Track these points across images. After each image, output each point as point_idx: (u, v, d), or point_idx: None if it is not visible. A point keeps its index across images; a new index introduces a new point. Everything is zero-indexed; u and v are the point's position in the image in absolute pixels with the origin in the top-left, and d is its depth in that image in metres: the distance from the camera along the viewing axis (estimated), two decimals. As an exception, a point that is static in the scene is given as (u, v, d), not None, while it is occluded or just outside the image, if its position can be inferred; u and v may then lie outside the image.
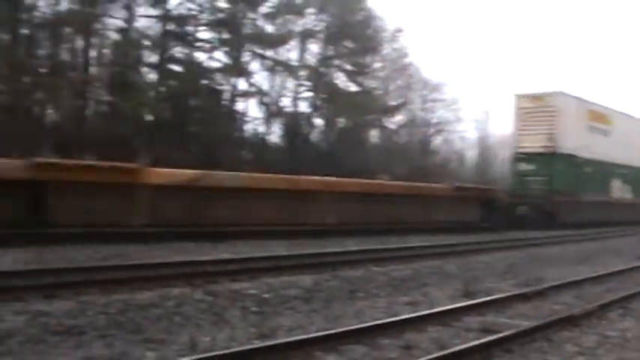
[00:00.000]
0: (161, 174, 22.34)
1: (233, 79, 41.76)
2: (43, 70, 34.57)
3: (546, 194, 37.07)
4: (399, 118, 54.96)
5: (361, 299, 13.08)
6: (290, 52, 45.27)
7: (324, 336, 9.15)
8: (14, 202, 18.50)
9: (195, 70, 39.48)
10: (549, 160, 37.61)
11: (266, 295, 12.49)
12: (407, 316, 10.82)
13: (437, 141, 60.06)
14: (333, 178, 28.66)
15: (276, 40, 43.11)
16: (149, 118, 37.54)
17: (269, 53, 43.33)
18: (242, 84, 42.53)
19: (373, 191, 30.11)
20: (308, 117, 47.07)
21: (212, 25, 40.29)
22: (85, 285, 11.90)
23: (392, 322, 10.30)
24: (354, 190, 29.16)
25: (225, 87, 41.65)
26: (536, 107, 38.61)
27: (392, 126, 54.25)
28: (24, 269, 13.59)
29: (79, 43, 36.36)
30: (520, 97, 39.67)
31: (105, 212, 20.37)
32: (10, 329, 8.94)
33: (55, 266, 14.10)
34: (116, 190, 20.64)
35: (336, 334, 9.31)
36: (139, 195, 21.36)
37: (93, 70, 36.31)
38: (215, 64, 41.14)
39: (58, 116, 35.74)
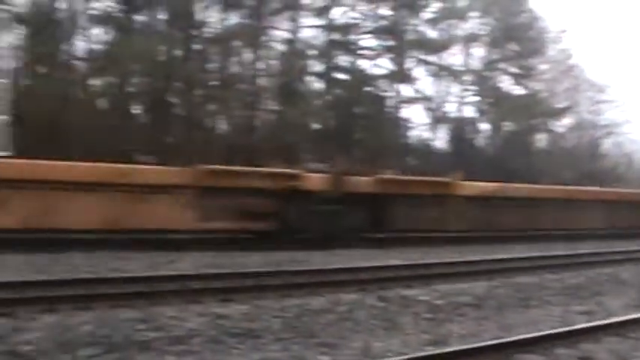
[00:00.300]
0: (470, 186, 25.47)
1: (397, 86, 41.59)
2: (214, 83, 35.60)
3: None
4: (566, 121, 53.16)
5: (534, 307, 12.59)
6: (454, 57, 44.73)
7: (496, 345, 8.79)
8: (362, 212, 22.09)
9: (360, 77, 39.57)
10: None
11: (438, 302, 12.25)
12: (582, 326, 10.27)
13: (606, 144, 57.63)
14: (603, 189, 31.98)
15: (440, 46, 42.61)
16: (316, 126, 37.89)
17: (432, 59, 42.89)
18: (406, 90, 42.32)
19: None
20: (473, 122, 46.26)
21: (375, 33, 40.27)
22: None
23: (567, 331, 9.79)
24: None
25: (390, 94, 41.51)
26: None
27: (559, 129, 52.51)
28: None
29: (248, 55, 37.20)
30: None
31: (427, 219, 23.90)
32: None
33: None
34: (435, 200, 24.01)
35: (509, 342, 8.92)
36: (452, 204, 24.51)
37: (261, 81, 37.03)
38: (379, 71, 41.15)
39: (228, 126, 36.68)
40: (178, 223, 18.58)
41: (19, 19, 30.07)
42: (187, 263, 15.47)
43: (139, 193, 17.95)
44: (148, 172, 18.65)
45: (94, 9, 34.64)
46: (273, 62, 37.61)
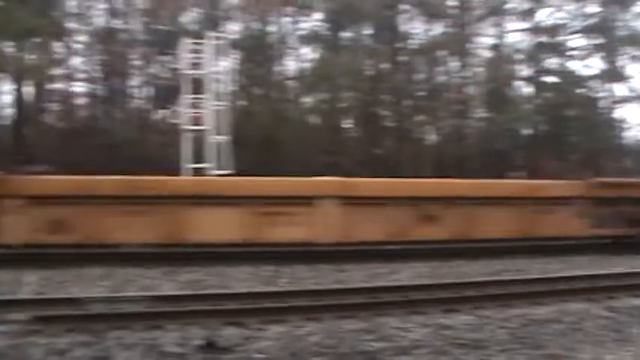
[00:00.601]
0: None
1: (610, 85, 39.56)
2: (422, 94, 35.47)
3: None
4: None
5: None
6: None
7: None
8: None
9: (570, 79, 37.97)
10: None
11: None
12: None
13: None
14: None
15: (654, 40, 40.18)
16: (526, 131, 36.88)
17: (647, 54, 40.46)
18: (620, 89, 40.10)
19: None
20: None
21: (584, 32, 38.45)
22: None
23: None
24: None
25: (602, 94, 39.52)
26: None
27: None
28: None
29: (454, 64, 36.83)
30: None
31: None
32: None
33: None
34: None
35: None
36: None
37: (468, 89, 36.48)
38: (590, 72, 39.24)
39: (437, 136, 36.44)
40: (575, 231, 19.78)
41: (235, 45, 31.32)
42: (407, 274, 15.25)
43: (543, 205, 19.37)
44: (550, 186, 20.24)
45: (302, 29, 35.70)
46: (479, 69, 36.93)
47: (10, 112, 33.65)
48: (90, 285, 12.62)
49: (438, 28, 36.67)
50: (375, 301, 11.32)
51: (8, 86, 33.10)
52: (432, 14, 35.93)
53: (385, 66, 35.11)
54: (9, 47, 31.79)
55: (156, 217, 15.90)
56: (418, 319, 10.23)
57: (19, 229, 15.22)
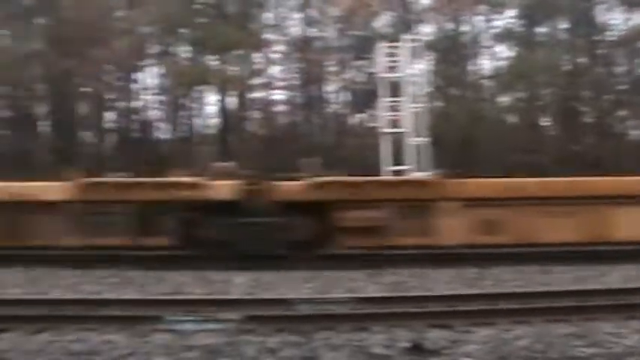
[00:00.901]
0: None
1: None
2: (623, 87, 33.90)
3: None
4: None
5: None
6: None
7: None
8: None
9: None
10: None
11: None
12: None
13: None
14: None
15: None
16: None
17: None
18: None
19: None
20: None
21: None
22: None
23: None
24: None
25: None
26: None
27: None
28: None
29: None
30: None
31: None
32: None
33: None
34: None
35: None
36: None
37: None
38: None
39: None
40: None
41: (429, 46, 31.26)
42: (616, 276, 14.51)
43: None
44: None
45: (496, 27, 35.07)
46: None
47: (215, 121, 35.37)
48: (297, 286, 12.91)
49: (638, 18, 34.84)
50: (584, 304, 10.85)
51: (213, 97, 34.93)
52: (632, 3, 34.12)
53: (583, 60, 33.83)
54: (213, 60, 33.49)
55: (577, 217, 16.28)
56: (634, 324, 9.65)
57: (455, 231, 16.14)
